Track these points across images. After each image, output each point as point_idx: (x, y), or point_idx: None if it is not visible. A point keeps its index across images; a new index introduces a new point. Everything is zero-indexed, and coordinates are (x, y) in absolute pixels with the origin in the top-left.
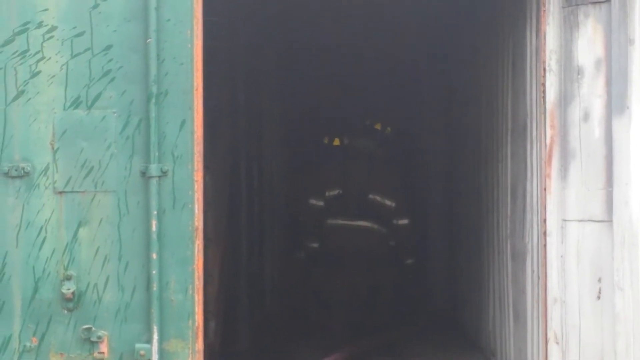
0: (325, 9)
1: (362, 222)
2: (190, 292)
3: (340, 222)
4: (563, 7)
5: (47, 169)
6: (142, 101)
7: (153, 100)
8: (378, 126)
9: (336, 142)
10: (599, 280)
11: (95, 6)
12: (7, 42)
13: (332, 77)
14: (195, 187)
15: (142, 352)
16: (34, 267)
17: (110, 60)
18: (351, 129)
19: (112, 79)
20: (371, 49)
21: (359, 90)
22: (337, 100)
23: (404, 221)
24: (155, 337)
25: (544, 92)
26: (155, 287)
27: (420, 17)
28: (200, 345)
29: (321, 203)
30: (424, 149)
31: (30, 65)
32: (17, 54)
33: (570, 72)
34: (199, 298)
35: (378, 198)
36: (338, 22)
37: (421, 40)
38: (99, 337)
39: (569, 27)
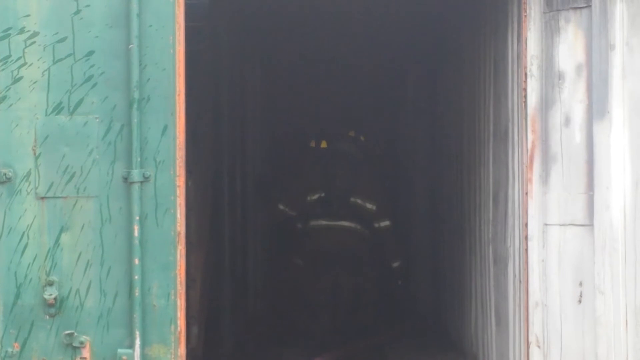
0: (309, 15)
1: (343, 222)
2: (173, 297)
3: (323, 222)
4: (544, 13)
5: (29, 174)
6: (124, 107)
7: (135, 106)
8: (352, 133)
9: (323, 144)
10: (580, 284)
11: (77, 12)
12: None
13: (316, 83)
14: (178, 192)
15: (124, 358)
16: (15, 273)
17: (92, 66)
18: (334, 134)
19: (94, 85)
20: (356, 54)
21: (344, 96)
22: (322, 105)
23: (385, 223)
24: (138, 342)
25: (525, 97)
26: (137, 292)
27: (405, 24)
28: (182, 350)
29: (294, 213)
30: (408, 153)
31: (12, 71)
32: None
33: (551, 77)
34: (181, 303)
35: (359, 201)
36: (322, 29)
37: (406, 47)
38: (81, 343)
39: (550, 32)
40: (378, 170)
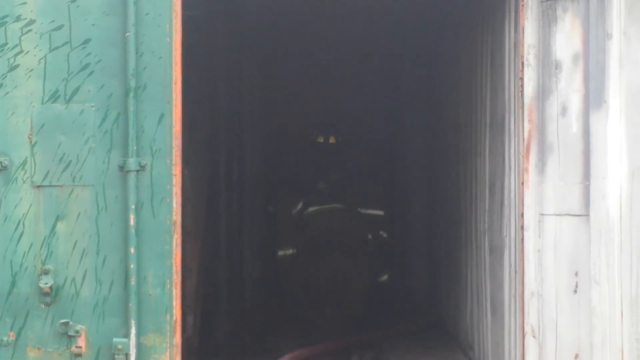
0: (307, 8)
1: (335, 204)
2: (168, 286)
3: (316, 207)
4: (542, 2)
5: (25, 162)
6: (121, 95)
7: (131, 94)
8: (332, 140)
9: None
10: (576, 274)
11: (74, 0)
12: None
13: (314, 75)
14: (174, 181)
15: (119, 347)
16: (11, 262)
17: (88, 54)
18: (333, 128)
19: (91, 73)
20: (353, 45)
21: (340, 87)
22: (319, 96)
23: (378, 212)
24: (133, 331)
25: (522, 86)
26: (133, 281)
27: (402, 15)
28: (178, 339)
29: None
30: (405, 145)
31: (8, 59)
32: None
33: (548, 67)
34: (176, 292)
35: (368, 210)
36: (320, 22)
37: (403, 37)
38: (77, 332)
39: (548, 21)
40: (378, 163)
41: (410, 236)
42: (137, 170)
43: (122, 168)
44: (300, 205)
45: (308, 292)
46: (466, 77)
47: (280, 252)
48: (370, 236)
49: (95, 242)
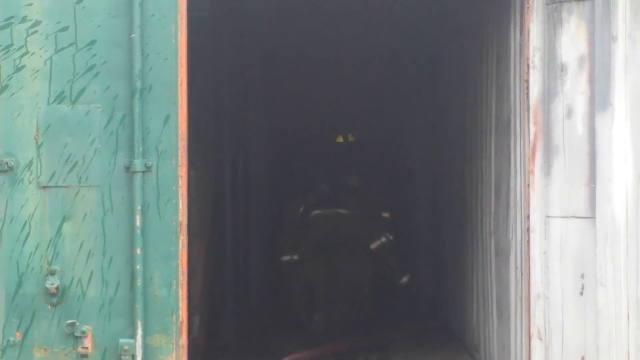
0: (312, 9)
1: (339, 209)
2: (174, 287)
3: (319, 211)
4: (547, 4)
5: (30, 163)
6: (126, 96)
7: (137, 96)
8: (351, 137)
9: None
10: (582, 276)
11: (80, 1)
12: None
13: (319, 76)
14: (180, 182)
15: (126, 347)
16: (17, 262)
17: (94, 55)
18: (339, 128)
19: (96, 74)
20: (358, 47)
21: (345, 88)
22: (324, 97)
23: (386, 215)
24: (139, 332)
25: (527, 88)
26: (139, 282)
27: (407, 16)
28: (184, 340)
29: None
30: (410, 147)
31: (14, 60)
32: (0, 48)
33: (553, 69)
34: (183, 293)
35: (374, 213)
36: (325, 23)
37: (407, 39)
38: (83, 332)
39: (553, 24)
40: (384, 163)
41: (415, 238)
42: (143, 172)
43: (128, 169)
44: (302, 208)
45: (312, 295)
46: (471, 79)
47: (285, 257)
48: (375, 238)
49: (101, 243)
